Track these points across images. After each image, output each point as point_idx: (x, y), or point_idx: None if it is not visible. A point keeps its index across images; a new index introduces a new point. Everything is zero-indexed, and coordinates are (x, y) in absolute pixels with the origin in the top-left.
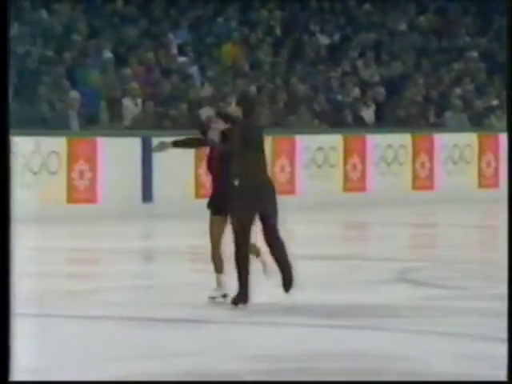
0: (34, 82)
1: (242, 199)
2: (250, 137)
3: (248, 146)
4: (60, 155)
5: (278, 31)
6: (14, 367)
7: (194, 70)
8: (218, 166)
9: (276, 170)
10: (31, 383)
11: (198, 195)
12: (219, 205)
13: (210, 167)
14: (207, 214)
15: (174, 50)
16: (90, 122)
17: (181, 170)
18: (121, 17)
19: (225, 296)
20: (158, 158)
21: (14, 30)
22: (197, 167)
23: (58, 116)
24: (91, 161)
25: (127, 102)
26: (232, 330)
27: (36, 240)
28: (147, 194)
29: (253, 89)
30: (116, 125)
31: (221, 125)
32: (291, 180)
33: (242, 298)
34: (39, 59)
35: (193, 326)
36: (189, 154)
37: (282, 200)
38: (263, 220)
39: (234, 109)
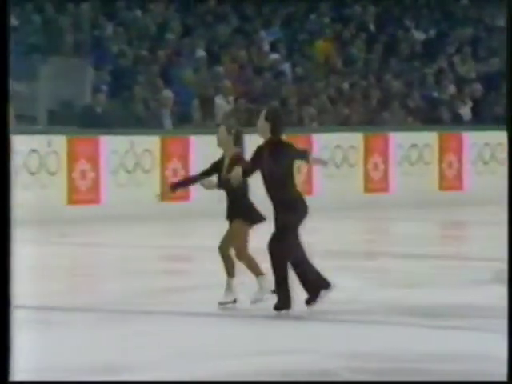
0: (128, 82)
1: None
2: (288, 157)
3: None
4: (153, 154)
5: (372, 27)
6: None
7: (285, 67)
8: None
9: (369, 167)
10: (31, 383)
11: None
12: (227, 210)
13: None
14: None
15: (266, 48)
16: (183, 121)
17: None
18: (214, 15)
19: (235, 301)
20: (249, 156)
21: (109, 29)
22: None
23: (151, 115)
24: (184, 159)
25: (219, 100)
26: (335, 328)
27: (130, 238)
28: None
29: (345, 85)
30: (208, 123)
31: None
32: (384, 178)
33: (284, 303)
34: (134, 59)
35: (294, 324)
36: None
37: (375, 198)
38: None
39: (262, 124)
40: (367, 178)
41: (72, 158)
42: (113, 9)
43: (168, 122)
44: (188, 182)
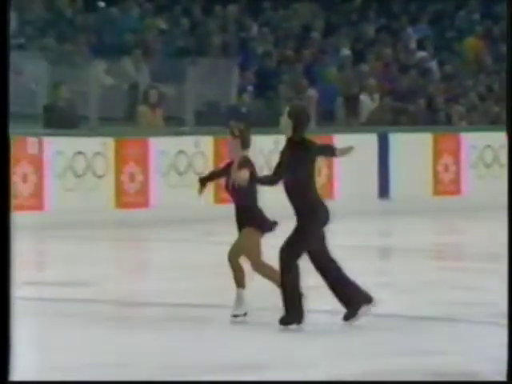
0: (273, 82)
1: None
2: (309, 158)
3: (313, 167)
4: None
5: None
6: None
7: (433, 64)
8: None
9: None
10: (31, 383)
11: (435, 192)
12: (236, 219)
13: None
14: (446, 211)
15: (413, 45)
16: (327, 119)
17: (418, 166)
18: (359, 13)
19: (245, 314)
20: (394, 155)
21: (254, 30)
22: (435, 164)
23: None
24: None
25: (364, 98)
26: (484, 329)
27: (276, 237)
28: (384, 191)
29: (496, 83)
30: (352, 121)
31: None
32: None
33: (292, 317)
34: (279, 59)
35: (439, 324)
36: (427, 151)
37: None
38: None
39: (285, 121)
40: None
41: (218, 158)
42: (258, 10)
43: (312, 121)
44: (213, 176)
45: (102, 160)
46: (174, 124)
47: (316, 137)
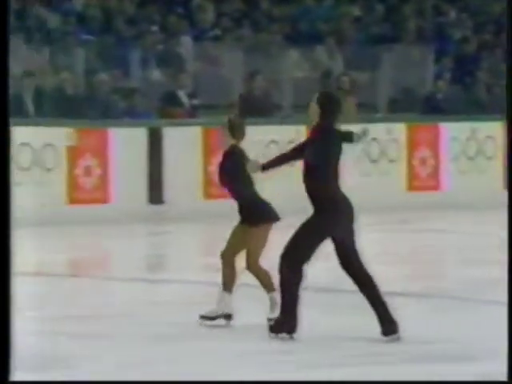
0: (471, 68)
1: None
2: (331, 144)
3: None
4: (496, 140)
5: None
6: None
7: None
8: (239, 173)
9: None
10: (31, 383)
11: None
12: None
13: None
14: None
15: None
16: None
17: None
18: None
19: (229, 317)
20: None
21: (452, 16)
22: None
23: (495, 101)
24: None
25: None
26: None
27: (471, 226)
28: None
29: None
30: None
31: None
32: None
33: (285, 326)
34: (478, 44)
35: None
36: None
37: None
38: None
39: (313, 107)
40: None
41: (412, 146)
42: None
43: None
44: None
45: None
46: (366, 111)
47: None
